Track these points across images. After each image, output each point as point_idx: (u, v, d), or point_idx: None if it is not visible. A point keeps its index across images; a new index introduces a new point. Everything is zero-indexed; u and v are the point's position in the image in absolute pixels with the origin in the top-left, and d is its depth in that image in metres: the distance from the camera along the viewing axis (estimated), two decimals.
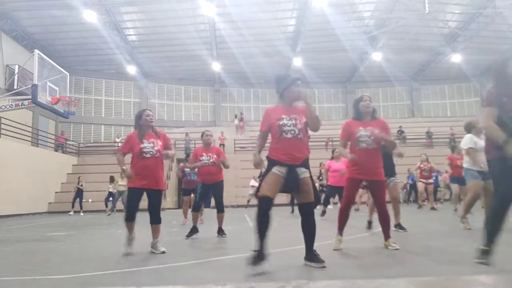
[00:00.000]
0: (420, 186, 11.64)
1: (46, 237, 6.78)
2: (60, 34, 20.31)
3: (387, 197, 4.58)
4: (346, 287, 1.17)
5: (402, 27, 20.21)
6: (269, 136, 3.56)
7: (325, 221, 7.58)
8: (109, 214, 13.73)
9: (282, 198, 11.75)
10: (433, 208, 11.23)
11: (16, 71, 17.47)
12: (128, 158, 4.54)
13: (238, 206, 17.66)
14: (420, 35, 21.57)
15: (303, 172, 3.35)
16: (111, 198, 15.00)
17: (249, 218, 9.91)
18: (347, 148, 4.31)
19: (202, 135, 6.27)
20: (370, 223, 6.13)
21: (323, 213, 8.84)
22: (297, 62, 23.58)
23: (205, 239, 5.70)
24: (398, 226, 5.78)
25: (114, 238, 6.60)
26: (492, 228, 2.95)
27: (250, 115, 28.51)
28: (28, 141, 17.53)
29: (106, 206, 15.07)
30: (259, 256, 3.12)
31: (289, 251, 4.17)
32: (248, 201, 16.70)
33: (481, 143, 3.58)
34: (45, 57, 14.80)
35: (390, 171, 5.76)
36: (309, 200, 3.37)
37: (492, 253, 2.92)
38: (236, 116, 26.80)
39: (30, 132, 18.39)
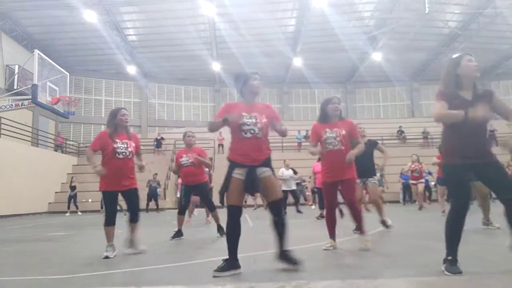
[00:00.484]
0: (414, 187, 11.55)
1: (46, 237, 6.78)
2: (60, 34, 20.30)
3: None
4: (346, 287, 1.16)
5: (402, 27, 20.20)
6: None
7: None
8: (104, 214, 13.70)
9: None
10: (421, 208, 11.18)
11: (16, 71, 17.46)
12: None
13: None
14: (420, 35, 21.55)
15: (263, 172, 3.25)
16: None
17: (249, 218, 9.92)
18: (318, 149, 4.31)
19: (183, 136, 6.19)
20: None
21: (321, 216, 8.63)
22: (297, 62, 23.58)
23: (205, 239, 5.70)
24: (383, 222, 5.84)
25: (115, 238, 6.60)
26: (451, 237, 2.84)
27: None
28: (28, 141, 17.53)
29: (102, 207, 15.03)
30: (230, 265, 3.09)
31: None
32: (245, 201, 16.59)
33: None
34: (45, 57, 14.81)
35: (369, 171, 5.70)
36: (275, 198, 3.28)
37: (457, 261, 2.78)
38: None
39: (30, 132, 18.40)
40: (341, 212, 8.31)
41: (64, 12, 17.87)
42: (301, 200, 15.47)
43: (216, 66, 24.46)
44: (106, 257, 4.05)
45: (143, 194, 15.78)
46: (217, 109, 28.20)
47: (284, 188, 11.38)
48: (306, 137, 22.35)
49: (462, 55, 2.98)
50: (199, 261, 3.83)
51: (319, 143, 4.27)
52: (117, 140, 4.31)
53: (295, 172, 11.25)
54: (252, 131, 3.25)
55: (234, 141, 3.35)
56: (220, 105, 28.31)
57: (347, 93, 29.22)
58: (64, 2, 16.61)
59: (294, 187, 11.43)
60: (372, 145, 5.91)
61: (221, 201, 3.34)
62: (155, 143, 23.75)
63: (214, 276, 2.97)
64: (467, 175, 2.88)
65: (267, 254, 4.12)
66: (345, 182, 4.22)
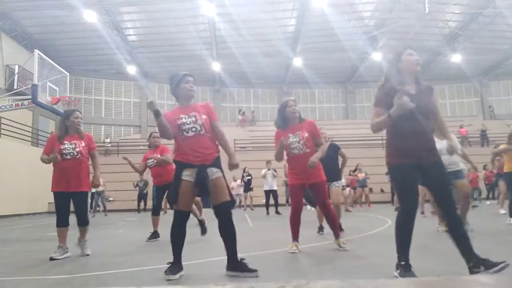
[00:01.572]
0: None
1: (46, 237, 6.77)
2: (60, 34, 20.29)
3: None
4: (346, 287, 1.16)
5: (402, 27, 20.21)
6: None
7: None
8: (93, 216, 13.66)
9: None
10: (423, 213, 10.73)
11: (16, 71, 17.46)
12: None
13: (238, 206, 17.62)
14: (420, 35, 21.57)
15: (214, 173, 3.15)
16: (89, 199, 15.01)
17: (249, 218, 9.92)
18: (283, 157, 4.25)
19: (149, 137, 6.13)
20: (320, 228, 5.87)
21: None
22: (297, 62, 23.58)
23: (205, 239, 5.70)
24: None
25: (114, 238, 6.60)
26: (402, 240, 2.74)
27: (250, 115, 28.52)
28: (28, 141, 17.53)
29: (91, 207, 14.94)
30: (177, 267, 3.07)
31: (287, 251, 4.17)
32: (240, 202, 16.51)
33: (440, 144, 3.45)
34: (45, 57, 14.79)
35: (333, 175, 5.54)
36: (223, 200, 3.13)
37: (411, 266, 2.70)
38: (239, 111, 27.54)
39: (30, 132, 18.40)
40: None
41: (64, 12, 17.86)
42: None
43: (216, 66, 24.46)
44: (52, 259, 4.01)
45: (133, 194, 15.81)
46: (216, 109, 28.20)
47: (266, 188, 11.58)
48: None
49: (403, 49, 2.95)
50: (199, 261, 3.83)
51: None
52: (65, 142, 4.29)
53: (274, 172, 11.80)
54: (194, 129, 3.17)
55: (177, 144, 3.26)
56: (220, 105, 28.35)
57: (347, 93, 29.22)
58: (64, 2, 16.61)
59: (275, 188, 11.66)
60: (335, 149, 5.82)
61: (172, 208, 3.22)
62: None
63: (168, 280, 2.96)
64: (414, 175, 2.79)
65: (267, 254, 4.13)
66: (315, 186, 4.19)
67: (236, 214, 11.94)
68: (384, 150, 2.96)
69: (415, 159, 2.75)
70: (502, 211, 8.64)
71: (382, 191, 17.89)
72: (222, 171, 3.23)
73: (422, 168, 2.78)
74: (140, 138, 25.72)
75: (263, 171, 11.70)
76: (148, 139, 6.17)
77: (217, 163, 3.21)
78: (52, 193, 4.32)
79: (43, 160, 4.32)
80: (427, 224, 6.42)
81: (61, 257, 4.10)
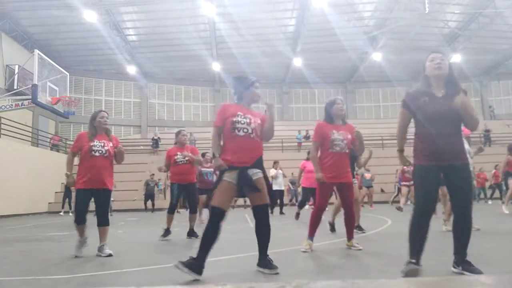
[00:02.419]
0: (403, 189, 11.12)
1: (46, 237, 6.78)
2: (60, 34, 20.30)
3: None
4: (346, 287, 1.16)
5: (402, 27, 20.20)
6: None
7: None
8: (111, 215, 13.71)
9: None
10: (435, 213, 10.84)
11: (16, 71, 17.46)
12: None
13: (239, 206, 17.62)
14: (420, 35, 21.56)
15: (255, 173, 3.19)
16: None
17: (250, 218, 9.91)
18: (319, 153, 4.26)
19: (177, 135, 6.17)
20: (332, 225, 5.96)
21: (297, 215, 8.52)
22: (297, 62, 23.58)
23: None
24: (358, 227, 5.73)
25: (114, 238, 6.60)
26: (414, 242, 2.75)
27: None
28: (28, 141, 17.52)
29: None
30: (196, 266, 2.93)
31: (288, 251, 4.17)
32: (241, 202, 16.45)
33: None
34: (45, 57, 14.80)
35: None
36: (264, 202, 3.20)
37: (420, 265, 2.72)
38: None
39: (30, 132, 18.39)
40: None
41: (64, 12, 17.87)
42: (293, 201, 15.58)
43: (216, 66, 24.46)
44: (76, 257, 4.19)
45: (134, 194, 15.83)
46: (217, 109, 28.19)
47: (276, 187, 11.63)
48: (306, 137, 22.35)
49: (428, 55, 2.98)
50: None
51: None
52: (95, 139, 4.42)
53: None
54: (245, 130, 3.22)
55: (226, 141, 3.29)
56: (220, 105, 28.30)
57: (347, 93, 29.21)
58: (64, 2, 16.61)
59: (282, 187, 11.84)
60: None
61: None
62: (152, 143, 23.74)
63: (175, 265, 2.88)
64: (435, 178, 2.80)
65: (267, 254, 4.12)
66: (345, 186, 4.23)
67: (236, 214, 11.99)
68: (411, 151, 2.98)
69: (439, 162, 2.76)
70: (506, 211, 8.64)
71: (382, 191, 17.89)
72: (264, 171, 3.28)
73: (446, 170, 2.79)
74: (140, 138, 25.73)
75: (273, 172, 11.77)
76: (176, 137, 6.19)
77: (258, 164, 3.25)
78: (53, 193, 4.34)
79: (68, 162, 4.52)
80: (430, 224, 6.42)
81: (82, 253, 4.28)
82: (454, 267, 2.81)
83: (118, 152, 4.55)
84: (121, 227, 8.69)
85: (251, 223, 8.49)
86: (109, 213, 14.91)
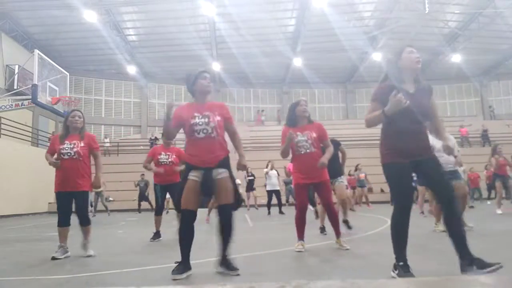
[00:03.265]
0: None
1: (46, 237, 6.77)
2: (60, 34, 20.30)
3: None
4: (346, 287, 1.16)
5: (402, 27, 20.21)
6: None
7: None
8: (94, 215, 13.66)
9: (273, 199, 11.82)
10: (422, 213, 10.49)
11: (16, 71, 17.45)
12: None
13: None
14: (420, 35, 21.56)
15: (220, 173, 3.16)
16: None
17: (249, 218, 9.92)
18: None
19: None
20: (322, 228, 5.88)
21: (316, 213, 8.35)
22: (297, 62, 23.58)
23: (205, 239, 5.69)
24: (345, 222, 5.89)
25: (114, 238, 6.61)
26: (398, 240, 2.72)
27: (250, 115, 28.52)
28: (28, 141, 17.52)
29: (91, 205, 14.89)
30: (184, 267, 3.06)
31: (288, 251, 4.17)
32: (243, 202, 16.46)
33: (438, 145, 3.45)
34: (45, 57, 14.80)
35: (335, 171, 5.62)
36: (226, 202, 3.16)
37: (409, 266, 2.68)
38: (258, 111, 27.94)
39: (30, 132, 18.39)
40: (316, 213, 8.23)
41: (64, 12, 17.86)
42: (291, 200, 15.51)
43: (216, 66, 24.45)
44: (53, 258, 4.05)
45: (133, 194, 15.77)
46: None
47: (269, 188, 11.58)
48: None
49: (404, 47, 2.93)
50: (199, 261, 3.82)
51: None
52: (65, 142, 4.32)
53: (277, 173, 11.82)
54: (205, 131, 3.16)
55: (188, 143, 3.28)
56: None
57: (347, 93, 29.22)
58: (64, 2, 16.60)
59: (278, 188, 11.66)
60: (335, 145, 5.90)
61: (177, 208, 3.24)
62: (150, 143, 23.72)
63: (174, 279, 2.95)
64: (408, 174, 2.79)
65: (267, 254, 4.13)
66: (320, 185, 4.23)
67: (236, 214, 11.96)
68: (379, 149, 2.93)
69: (409, 158, 2.75)
70: (499, 212, 8.60)
71: (382, 191, 17.88)
72: (230, 171, 3.24)
73: (417, 166, 2.78)
74: (140, 138, 25.71)
75: (266, 169, 11.68)
76: (162, 137, 6.16)
77: (224, 164, 3.20)
78: (53, 193, 4.32)
79: (46, 159, 4.37)
80: (426, 224, 6.42)
81: (62, 256, 4.13)
82: (467, 269, 2.61)
83: (94, 156, 4.48)
84: (121, 227, 8.70)
85: (251, 223, 8.49)
86: (92, 213, 14.81)
